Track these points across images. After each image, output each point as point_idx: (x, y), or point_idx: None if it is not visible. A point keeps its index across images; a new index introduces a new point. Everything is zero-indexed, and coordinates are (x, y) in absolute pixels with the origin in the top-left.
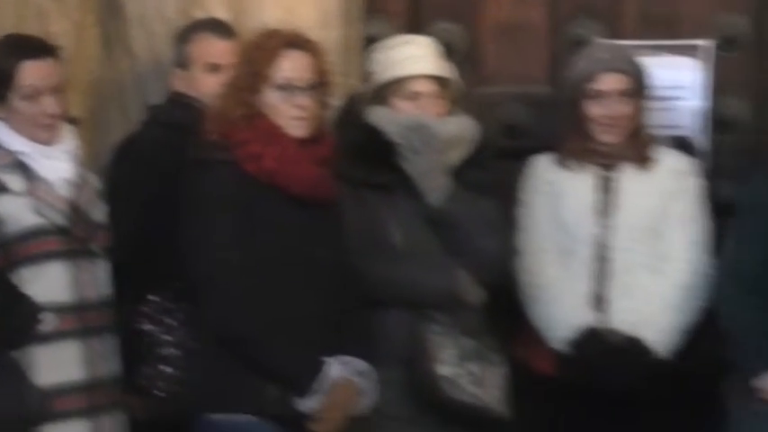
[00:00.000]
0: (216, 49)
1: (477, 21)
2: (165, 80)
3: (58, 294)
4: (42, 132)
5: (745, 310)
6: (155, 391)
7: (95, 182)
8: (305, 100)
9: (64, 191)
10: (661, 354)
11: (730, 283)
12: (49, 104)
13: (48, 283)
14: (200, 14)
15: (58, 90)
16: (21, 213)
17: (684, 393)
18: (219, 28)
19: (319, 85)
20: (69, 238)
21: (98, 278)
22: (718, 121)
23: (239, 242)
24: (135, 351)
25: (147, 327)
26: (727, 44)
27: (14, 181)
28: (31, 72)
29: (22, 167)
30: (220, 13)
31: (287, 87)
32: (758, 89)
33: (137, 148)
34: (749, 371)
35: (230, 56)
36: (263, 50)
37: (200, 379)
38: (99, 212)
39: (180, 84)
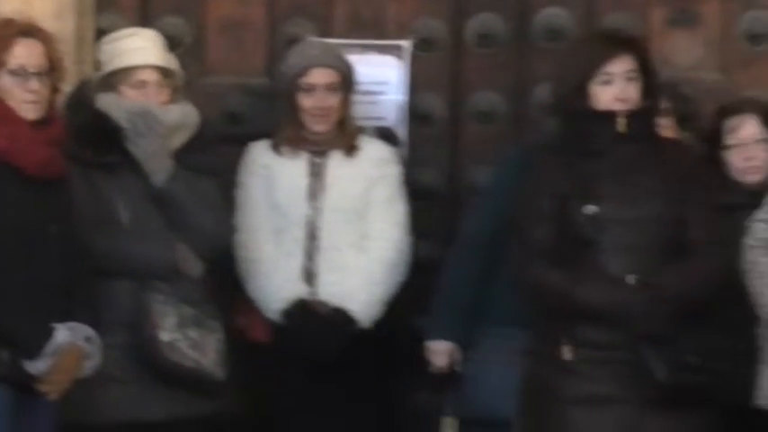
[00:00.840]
0: None
1: (201, 16)
2: None
3: None
4: None
5: (456, 282)
6: None
7: None
8: (37, 85)
9: None
10: (363, 323)
11: (459, 254)
12: None
13: None
14: None
15: None
16: None
17: (384, 357)
18: None
19: (51, 71)
20: None
21: None
22: (416, 115)
23: None
24: None
25: None
26: (425, 45)
27: None
28: None
29: None
30: None
31: (20, 73)
32: (452, 86)
33: None
34: (427, 333)
35: None
36: None
37: None
38: None
39: None
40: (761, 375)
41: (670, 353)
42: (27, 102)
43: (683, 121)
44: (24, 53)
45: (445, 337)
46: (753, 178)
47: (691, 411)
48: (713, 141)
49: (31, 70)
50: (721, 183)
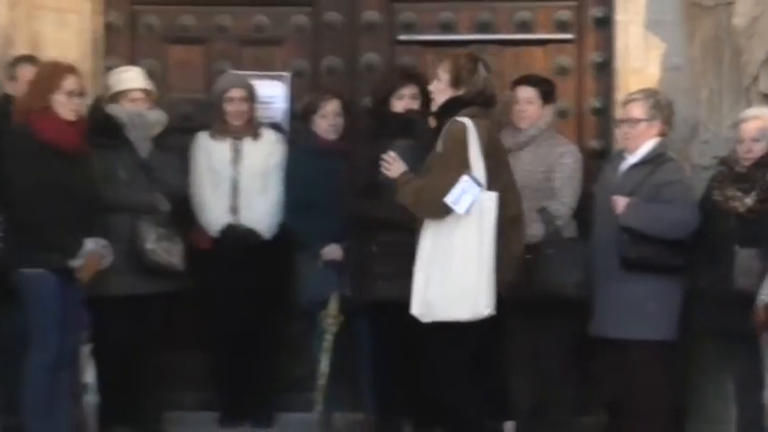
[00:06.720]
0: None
1: (165, 59)
2: None
3: None
4: None
5: None
6: None
7: None
8: (77, 101)
9: None
10: (264, 235)
11: None
12: None
13: None
14: None
15: None
16: None
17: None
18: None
19: (81, 93)
20: None
21: None
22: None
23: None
24: None
25: None
26: (296, 74)
27: None
28: None
29: None
30: None
31: (70, 94)
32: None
33: None
34: None
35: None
36: (50, 77)
37: (13, 247)
38: None
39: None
40: None
41: None
42: (71, 110)
43: None
44: (71, 83)
45: None
46: None
47: None
48: None
49: (76, 92)
50: None
